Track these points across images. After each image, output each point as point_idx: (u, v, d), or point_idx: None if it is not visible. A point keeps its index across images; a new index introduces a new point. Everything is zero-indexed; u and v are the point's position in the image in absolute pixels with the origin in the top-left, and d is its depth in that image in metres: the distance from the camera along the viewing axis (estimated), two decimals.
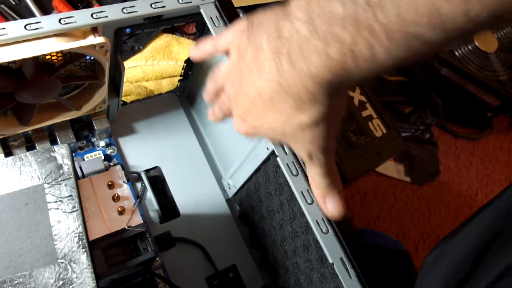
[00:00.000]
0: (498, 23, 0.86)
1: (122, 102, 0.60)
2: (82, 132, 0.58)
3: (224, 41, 0.39)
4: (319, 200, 0.40)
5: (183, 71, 0.62)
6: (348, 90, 0.60)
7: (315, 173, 0.38)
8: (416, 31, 0.23)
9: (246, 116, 0.36)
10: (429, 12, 0.22)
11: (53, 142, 0.54)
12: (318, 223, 0.39)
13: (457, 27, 0.22)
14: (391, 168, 0.83)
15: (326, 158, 0.36)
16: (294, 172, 0.41)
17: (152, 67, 0.73)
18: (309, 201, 0.40)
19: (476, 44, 0.88)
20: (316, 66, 0.27)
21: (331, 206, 0.39)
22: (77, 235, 0.35)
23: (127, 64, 0.72)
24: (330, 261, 0.38)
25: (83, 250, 0.35)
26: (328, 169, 0.37)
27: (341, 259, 0.38)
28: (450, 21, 0.22)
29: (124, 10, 0.43)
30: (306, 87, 0.29)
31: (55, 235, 0.35)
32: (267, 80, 0.31)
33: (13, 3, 0.70)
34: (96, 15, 0.41)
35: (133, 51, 0.74)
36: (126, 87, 0.68)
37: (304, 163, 0.41)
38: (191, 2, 0.46)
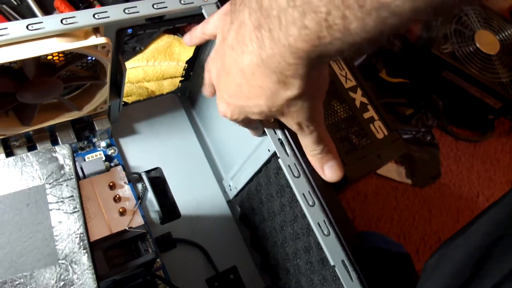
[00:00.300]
0: None
1: (123, 103, 0.60)
2: (83, 133, 0.58)
3: (211, 26, 0.39)
4: (316, 168, 0.41)
5: (184, 72, 0.62)
6: (350, 92, 0.60)
7: (307, 141, 0.39)
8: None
9: (230, 97, 0.36)
10: None
11: (54, 142, 0.54)
12: (319, 225, 0.39)
13: None
14: (392, 170, 0.83)
15: (314, 125, 0.37)
16: (296, 174, 0.41)
17: (154, 67, 0.73)
18: (310, 203, 0.40)
19: (478, 46, 0.88)
20: (294, 37, 0.28)
21: (329, 172, 0.40)
22: (78, 236, 0.35)
23: (128, 64, 0.72)
24: (332, 263, 0.38)
25: (84, 251, 0.35)
26: (320, 136, 0.38)
27: (343, 261, 0.38)
28: None
29: (126, 11, 0.43)
30: (286, 60, 0.30)
31: (56, 235, 0.35)
32: (248, 54, 0.32)
33: (15, 3, 0.70)
34: (98, 16, 0.41)
35: (134, 52, 0.74)
36: (127, 87, 0.68)
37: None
38: (193, 3, 0.46)
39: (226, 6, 0.37)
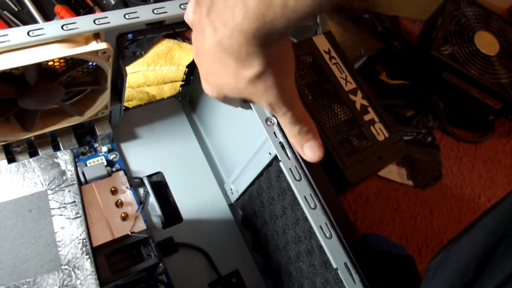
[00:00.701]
0: None
1: (124, 108, 0.60)
2: (84, 138, 0.58)
3: (189, 13, 0.41)
4: (296, 148, 0.41)
5: (184, 76, 0.62)
6: (351, 95, 0.60)
7: (284, 122, 0.40)
8: None
9: (207, 76, 0.38)
10: None
11: (56, 147, 0.54)
12: (321, 228, 0.39)
13: None
14: (393, 172, 0.83)
15: (288, 106, 0.38)
16: (297, 177, 0.41)
17: (154, 72, 0.73)
18: (312, 205, 0.40)
19: (478, 47, 0.88)
20: (239, 18, 0.30)
21: (309, 152, 0.41)
22: (81, 241, 0.35)
23: (129, 69, 0.72)
24: (334, 266, 0.38)
25: (87, 256, 0.35)
26: (297, 116, 0.39)
27: (345, 264, 0.38)
28: None
29: (126, 16, 0.43)
30: (237, 41, 0.31)
31: (58, 241, 0.35)
32: (208, 39, 0.33)
33: (16, 9, 0.71)
34: (98, 21, 0.41)
35: (135, 57, 0.74)
36: (128, 92, 0.68)
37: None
38: None
39: None
